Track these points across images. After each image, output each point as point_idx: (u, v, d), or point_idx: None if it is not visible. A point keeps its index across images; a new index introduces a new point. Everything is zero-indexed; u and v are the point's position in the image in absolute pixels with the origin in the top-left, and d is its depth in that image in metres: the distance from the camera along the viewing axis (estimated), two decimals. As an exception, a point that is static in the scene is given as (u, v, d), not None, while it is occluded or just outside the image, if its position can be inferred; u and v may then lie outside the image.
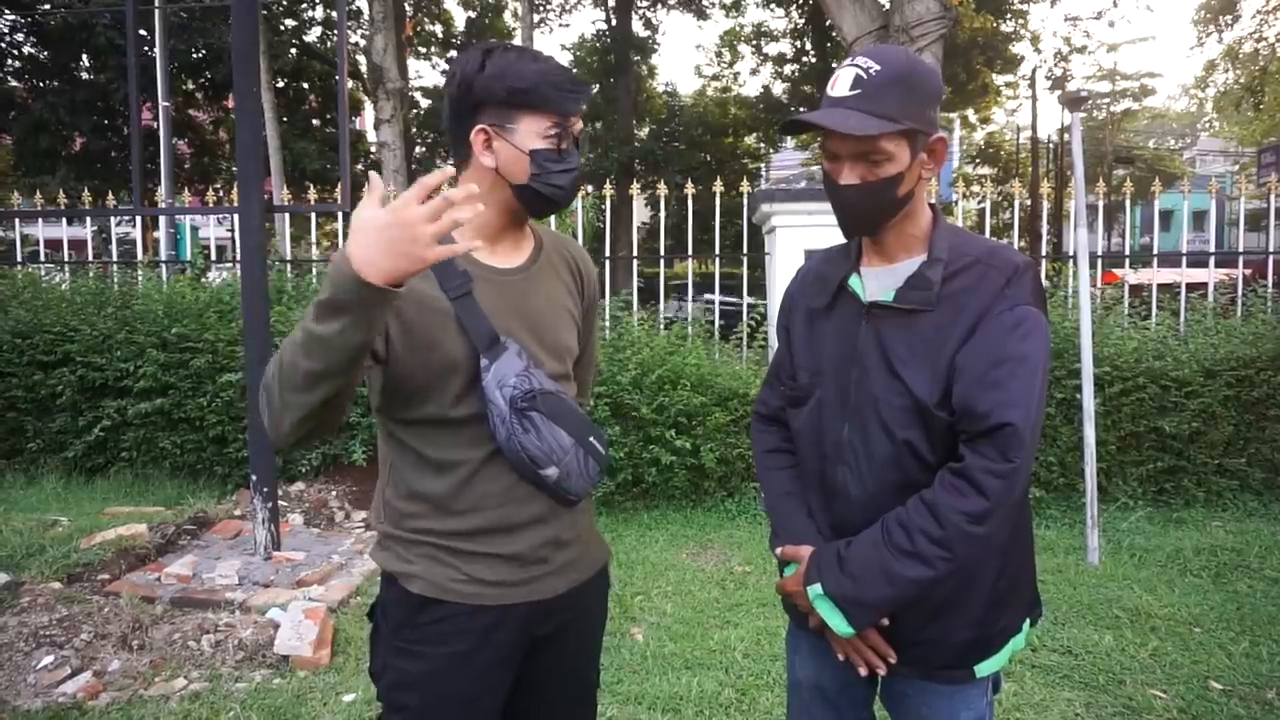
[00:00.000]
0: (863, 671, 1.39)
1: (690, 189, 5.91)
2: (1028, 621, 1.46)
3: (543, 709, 1.48)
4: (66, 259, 6.77)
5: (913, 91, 1.27)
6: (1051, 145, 22.10)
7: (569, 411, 1.37)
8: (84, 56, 14.49)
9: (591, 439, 1.39)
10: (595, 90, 19.97)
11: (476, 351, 1.29)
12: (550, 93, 1.30)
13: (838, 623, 1.33)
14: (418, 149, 19.40)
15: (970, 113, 21.95)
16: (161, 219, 9.10)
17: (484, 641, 1.35)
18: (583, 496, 1.42)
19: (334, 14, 15.62)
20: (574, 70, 1.37)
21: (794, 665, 1.56)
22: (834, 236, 1.44)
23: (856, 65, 1.28)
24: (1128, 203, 6.01)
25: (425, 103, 20.17)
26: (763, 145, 22.15)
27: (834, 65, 1.49)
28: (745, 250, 6.39)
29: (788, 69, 20.39)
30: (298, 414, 1.15)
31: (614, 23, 19.52)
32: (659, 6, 20.25)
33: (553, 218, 5.85)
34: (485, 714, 1.38)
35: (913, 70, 1.28)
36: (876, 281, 1.39)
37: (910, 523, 1.28)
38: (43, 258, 6.88)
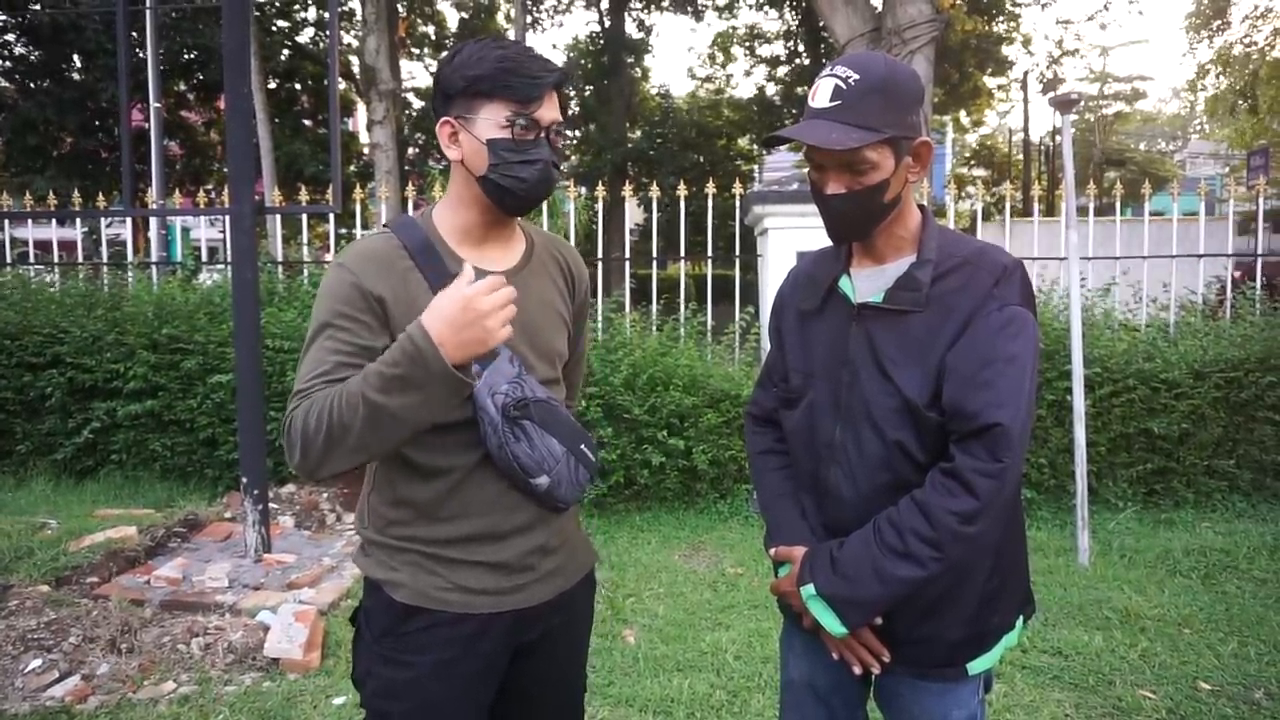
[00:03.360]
0: (857, 670, 1.39)
1: (683, 190, 5.92)
2: (1021, 618, 1.46)
3: (529, 715, 1.47)
4: (56, 260, 6.72)
5: (893, 98, 1.27)
6: (1044, 147, 22.20)
7: (561, 419, 1.35)
8: (74, 57, 14.43)
9: (583, 446, 1.37)
10: (588, 91, 20.00)
11: None
12: (507, 79, 1.24)
13: (831, 623, 1.34)
14: (410, 150, 19.36)
15: (963, 115, 22.02)
16: (152, 220, 9.06)
17: (468, 650, 1.33)
18: (572, 504, 1.40)
19: (326, 15, 15.59)
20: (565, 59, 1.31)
21: (788, 664, 1.57)
22: (826, 238, 1.44)
23: (835, 75, 1.28)
24: (1118, 205, 6.04)
25: (418, 104, 20.14)
26: (755, 147, 22.18)
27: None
28: (738, 252, 6.39)
29: (781, 71, 20.41)
30: (339, 468, 1.19)
31: (607, 24, 19.52)
32: (652, 8, 20.27)
33: (545, 218, 5.84)
34: None
35: (892, 77, 1.28)
36: (866, 283, 1.39)
37: (901, 522, 1.28)
38: (32, 259, 6.83)
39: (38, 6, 13.46)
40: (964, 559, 1.31)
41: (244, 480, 3.88)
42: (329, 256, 6.71)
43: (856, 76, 1.26)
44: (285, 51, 16.91)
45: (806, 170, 1.37)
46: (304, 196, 6.43)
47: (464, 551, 1.33)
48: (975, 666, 1.39)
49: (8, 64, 14.68)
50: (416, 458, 1.30)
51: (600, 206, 6.31)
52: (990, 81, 19.70)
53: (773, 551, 1.47)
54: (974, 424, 1.25)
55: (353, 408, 1.14)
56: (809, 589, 1.35)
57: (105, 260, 6.44)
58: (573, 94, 20.58)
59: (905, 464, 1.34)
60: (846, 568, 1.32)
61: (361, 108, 16.01)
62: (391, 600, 1.32)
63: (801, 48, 19.38)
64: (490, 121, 1.26)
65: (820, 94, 1.28)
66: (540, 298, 1.40)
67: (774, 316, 1.57)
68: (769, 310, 1.62)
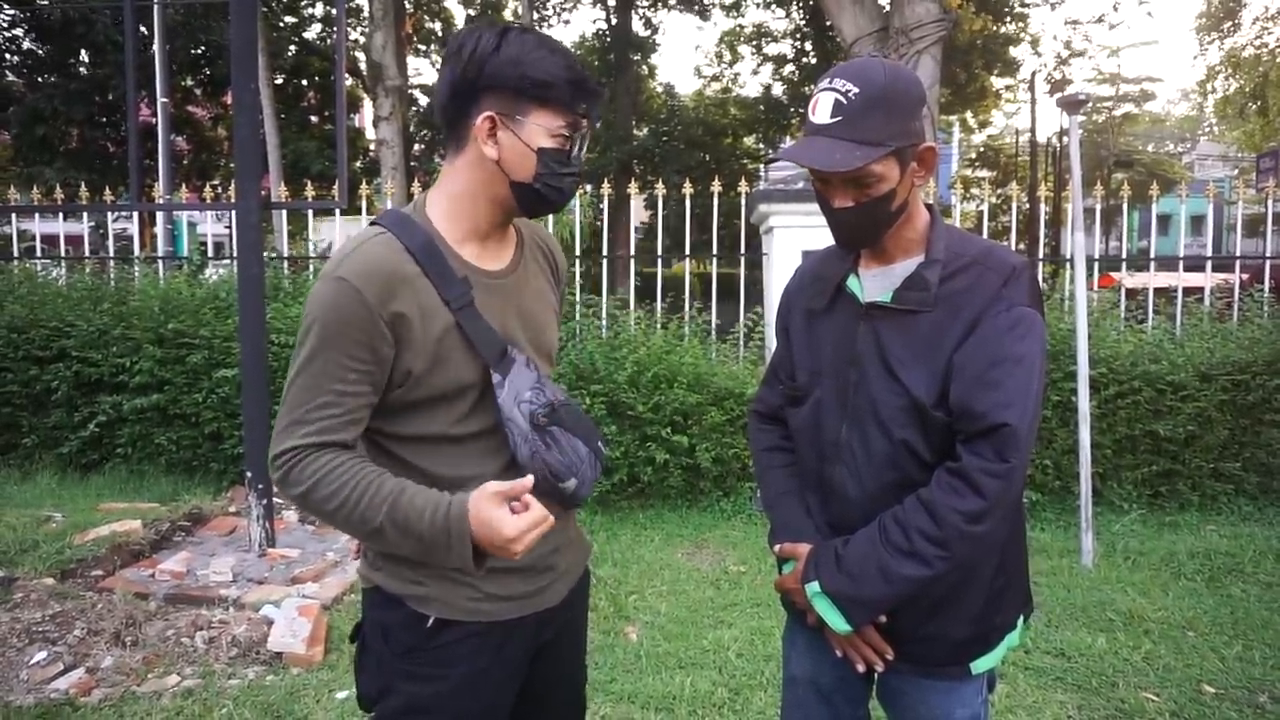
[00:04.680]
0: (860, 668, 1.39)
1: (689, 189, 5.91)
2: (1022, 618, 1.46)
3: (540, 713, 1.46)
4: (63, 254, 6.73)
5: (895, 109, 1.25)
6: (1051, 149, 22.13)
7: (580, 419, 1.33)
8: (83, 52, 14.47)
9: (599, 443, 1.36)
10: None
11: (485, 366, 1.23)
12: (570, 91, 1.20)
13: (835, 620, 1.34)
14: (416, 146, 19.38)
15: (969, 115, 21.96)
16: (159, 215, 9.09)
17: (496, 658, 1.31)
18: (585, 500, 1.39)
19: (333, 11, 15.59)
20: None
21: (790, 661, 1.56)
22: (831, 237, 1.44)
23: (834, 89, 1.25)
24: (1125, 206, 6.02)
25: (425, 100, 20.15)
26: (762, 146, 22.15)
27: (834, 65, 1.47)
28: (744, 250, 6.39)
29: (787, 69, 20.38)
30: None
31: (614, 22, 19.53)
32: (659, 6, 20.25)
33: (550, 215, 5.85)
34: None
35: (892, 86, 1.25)
36: (874, 282, 1.39)
37: (907, 521, 1.28)
38: (39, 253, 6.86)
39: (46, 1, 13.49)
40: (969, 559, 1.31)
41: (248, 475, 3.89)
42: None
43: (856, 89, 1.24)
44: (292, 48, 16.95)
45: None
46: (310, 193, 6.45)
47: (491, 560, 1.28)
48: (979, 665, 1.39)
49: (16, 58, 14.73)
50: (437, 469, 1.25)
51: (605, 204, 6.31)
52: (998, 82, 19.66)
53: (777, 548, 1.47)
54: (981, 424, 1.25)
55: (375, 510, 1.16)
56: (814, 586, 1.35)
57: (112, 255, 6.46)
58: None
59: (911, 463, 1.33)
60: (852, 566, 1.32)
61: (368, 104, 16.03)
62: (418, 615, 1.28)
63: (809, 46, 19.36)
64: (542, 129, 1.21)
65: (820, 109, 1.26)
66: (538, 294, 1.38)
67: (781, 315, 1.57)
68: (774, 308, 1.62)
